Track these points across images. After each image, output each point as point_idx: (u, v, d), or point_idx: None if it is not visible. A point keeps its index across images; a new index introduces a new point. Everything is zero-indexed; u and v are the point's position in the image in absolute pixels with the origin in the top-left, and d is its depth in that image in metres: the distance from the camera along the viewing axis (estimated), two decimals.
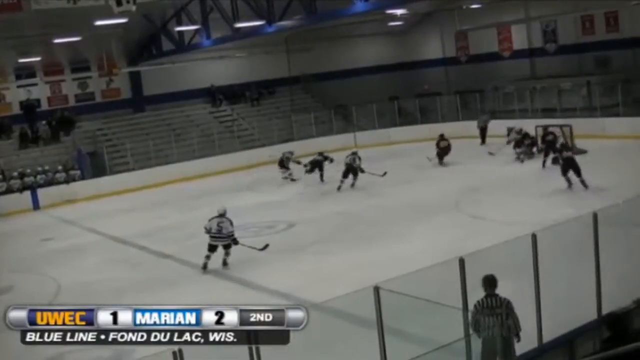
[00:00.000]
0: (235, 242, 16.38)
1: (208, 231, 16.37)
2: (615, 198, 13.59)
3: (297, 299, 12.94)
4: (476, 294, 8.92)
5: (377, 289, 8.40)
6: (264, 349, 6.80)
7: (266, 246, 16.85)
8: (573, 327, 9.82)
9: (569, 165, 20.70)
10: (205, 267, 16.41)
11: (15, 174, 29.28)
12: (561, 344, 9.69)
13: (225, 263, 16.48)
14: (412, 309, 8.79)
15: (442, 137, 27.99)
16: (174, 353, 6.42)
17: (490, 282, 8.61)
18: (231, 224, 16.38)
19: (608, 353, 6.06)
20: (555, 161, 23.33)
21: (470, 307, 8.80)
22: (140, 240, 20.64)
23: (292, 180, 27.54)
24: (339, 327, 10.51)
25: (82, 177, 30.43)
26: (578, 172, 20.41)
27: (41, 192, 28.69)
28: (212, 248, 16.37)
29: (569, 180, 20.64)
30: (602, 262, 10.09)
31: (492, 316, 8.38)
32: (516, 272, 10.80)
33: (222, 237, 16.30)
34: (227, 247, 16.44)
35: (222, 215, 16.44)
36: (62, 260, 19.53)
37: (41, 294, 15.72)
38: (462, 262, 8.78)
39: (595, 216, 10.02)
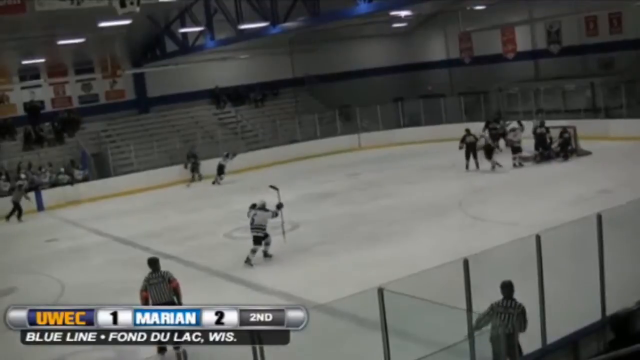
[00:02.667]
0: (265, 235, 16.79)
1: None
2: (619, 199, 13.55)
3: (301, 300, 12.89)
4: (480, 294, 8.89)
5: (380, 291, 8.37)
6: (268, 350, 6.78)
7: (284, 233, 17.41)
8: (577, 328, 9.78)
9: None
10: (250, 258, 16.70)
11: (23, 175, 29.32)
12: (565, 344, 9.64)
13: (265, 254, 16.80)
14: (416, 310, 8.76)
15: (468, 132, 26.25)
16: (178, 354, 6.39)
17: (508, 288, 8.96)
18: (266, 216, 16.73)
19: (611, 354, 6.04)
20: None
21: (475, 308, 8.77)
22: (144, 241, 20.63)
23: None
24: (344, 328, 10.50)
25: (86, 179, 30.42)
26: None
27: (45, 193, 28.68)
28: (254, 239, 16.73)
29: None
30: (606, 263, 10.05)
31: (504, 314, 8.76)
32: (520, 273, 10.78)
33: (254, 228, 16.65)
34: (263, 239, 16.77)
35: (259, 207, 16.86)
36: (66, 261, 19.55)
37: (45, 295, 15.72)
38: (466, 263, 8.76)
39: (599, 217, 9.98)
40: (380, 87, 39.40)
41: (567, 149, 25.55)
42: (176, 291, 11.87)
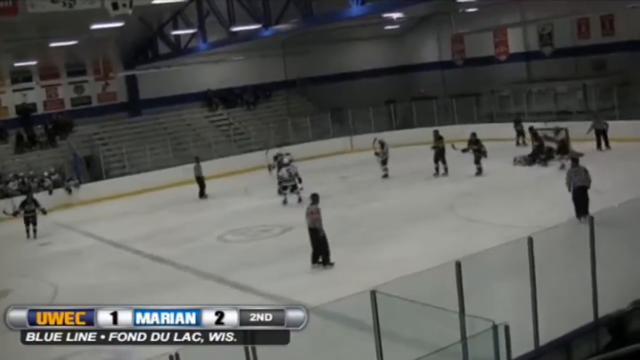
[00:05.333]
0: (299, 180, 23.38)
1: (282, 179, 23.54)
2: (611, 201, 13.63)
3: (294, 302, 12.86)
4: (473, 296, 8.94)
5: (373, 293, 8.40)
6: (260, 352, 6.80)
7: None
8: (570, 330, 9.83)
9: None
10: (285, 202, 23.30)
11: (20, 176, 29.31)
12: (558, 346, 9.70)
13: (299, 200, 22.63)
14: (409, 312, 8.79)
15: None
16: (171, 357, 6.42)
17: (576, 160, 17.38)
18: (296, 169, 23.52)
19: (605, 355, 6.10)
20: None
21: (467, 310, 8.81)
22: (137, 244, 20.62)
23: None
24: (336, 331, 10.50)
25: (79, 183, 30.24)
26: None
27: (37, 197, 28.45)
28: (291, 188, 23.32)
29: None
30: (599, 265, 10.11)
31: (576, 173, 16.66)
32: (512, 275, 10.84)
33: (289, 180, 23.27)
34: (294, 188, 23.25)
35: (286, 163, 24.29)
36: (59, 264, 19.54)
37: (38, 298, 15.65)
38: (458, 265, 8.79)
39: (591, 219, 10.04)
40: (373, 90, 39.43)
41: (565, 152, 24.75)
42: (314, 220, 15.78)
